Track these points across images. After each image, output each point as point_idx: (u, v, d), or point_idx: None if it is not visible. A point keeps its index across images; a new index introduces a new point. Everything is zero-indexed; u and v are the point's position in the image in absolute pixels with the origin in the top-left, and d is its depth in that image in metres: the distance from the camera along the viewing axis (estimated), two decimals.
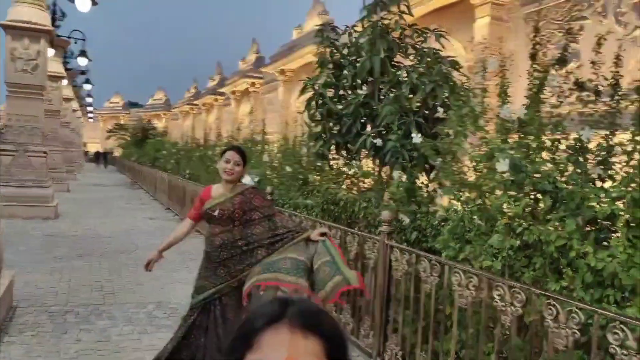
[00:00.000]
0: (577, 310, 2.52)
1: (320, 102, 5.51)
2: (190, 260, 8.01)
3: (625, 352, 2.27)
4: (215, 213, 3.36)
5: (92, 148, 58.84)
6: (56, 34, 14.63)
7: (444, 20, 13.73)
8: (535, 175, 3.17)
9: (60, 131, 18.84)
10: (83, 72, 24.33)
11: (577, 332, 2.53)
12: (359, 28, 5.63)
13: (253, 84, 29.46)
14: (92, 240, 9.16)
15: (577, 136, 3.07)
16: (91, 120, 57.30)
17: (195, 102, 42.68)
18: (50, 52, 12.38)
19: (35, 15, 10.80)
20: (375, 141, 4.99)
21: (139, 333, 4.67)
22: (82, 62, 19.94)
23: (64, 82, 19.11)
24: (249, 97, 30.35)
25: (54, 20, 15.10)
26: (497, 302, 3.00)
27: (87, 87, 26.78)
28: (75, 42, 18.89)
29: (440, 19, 13.79)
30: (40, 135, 11.37)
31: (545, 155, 3.24)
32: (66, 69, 20.10)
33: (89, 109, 44.18)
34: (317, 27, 5.82)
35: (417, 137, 4.15)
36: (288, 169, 6.96)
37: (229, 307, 3.31)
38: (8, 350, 4.08)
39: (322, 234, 3.40)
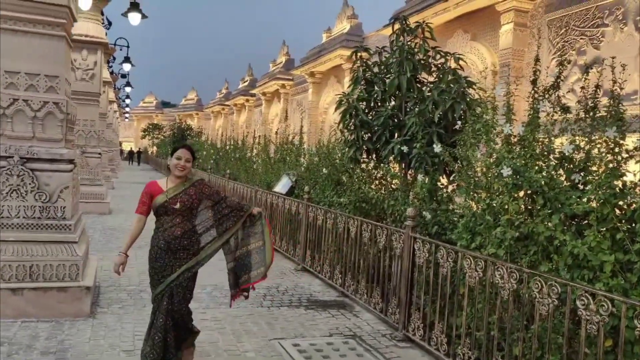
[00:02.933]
0: (555, 284, 3.32)
1: (353, 113, 6.35)
2: None
3: (588, 313, 3.07)
4: (177, 205, 3.69)
5: (126, 147, 60.76)
6: None
7: (470, 26, 14.42)
8: (531, 179, 3.96)
9: (105, 132, 20.11)
10: (124, 76, 25.69)
11: (556, 301, 3.33)
12: (388, 48, 6.46)
13: (283, 86, 30.40)
14: (146, 233, 10.17)
15: (562, 149, 3.85)
16: (126, 120, 59.25)
17: (226, 103, 43.92)
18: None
19: (92, 28, 11.92)
20: (402, 148, 5.83)
21: (204, 308, 5.60)
22: (126, 67, 21.26)
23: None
24: (279, 98, 31.33)
25: None
26: (497, 280, 3.81)
27: (127, 89, 28.20)
28: (121, 49, 20.18)
29: (467, 24, 14.47)
30: (96, 138, 12.52)
31: (538, 163, 4.03)
32: (110, 73, 21.39)
33: (127, 109, 45.89)
34: (353, 49, 6.65)
35: (437, 146, 4.96)
36: (324, 170, 7.81)
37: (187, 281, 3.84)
38: (104, 318, 5.06)
39: (259, 212, 3.98)
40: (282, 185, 9.46)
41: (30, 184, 4.99)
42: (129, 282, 6.47)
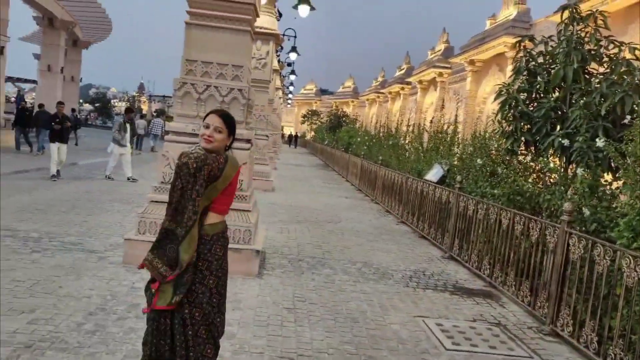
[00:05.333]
0: None
1: (513, 104, 6.27)
2: (383, 233, 9.37)
3: None
4: None
5: (287, 131, 64.67)
6: None
7: None
8: None
9: (271, 117, 21.81)
10: (289, 64, 27.46)
11: None
12: (555, 37, 6.24)
13: (440, 74, 29.95)
14: (304, 210, 11.09)
15: None
16: (288, 106, 63.02)
17: (381, 91, 44.44)
18: None
19: (267, 21, 13.05)
20: (563, 141, 5.65)
21: (354, 281, 6.07)
22: (292, 57, 22.76)
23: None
24: (435, 86, 30.92)
25: None
26: None
27: (292, 77, 30.09)
28: (288, 39, 21.64)
29: None
30: (265, 122, 13.76)
31: None
32: (277, 62, 23.02)
33: (289, 96, 48.84)
34: (518, 38, 6.53)
35: (600, 141, 4.76)
36: (479, 161, 7.79)
37: None
38: (269, 279, 5.78)
39: None
40: (434, 173, 9.58)
41: None
42: (290, 251, 7.20)
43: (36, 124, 18.02)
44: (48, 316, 4.07)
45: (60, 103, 13.63)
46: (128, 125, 12.60)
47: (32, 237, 6.48)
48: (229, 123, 2.92)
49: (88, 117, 55.11)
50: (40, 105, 19.96)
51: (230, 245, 3.06)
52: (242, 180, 5.95)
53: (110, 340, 3.73)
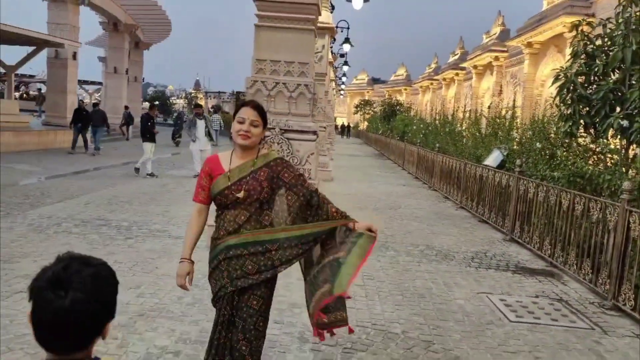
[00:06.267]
0: None
1: (571, 88, 6.40)
2: (442, 218, 9.64)
3: None
4: (241, 194, 2.52)
5: (339, 122, 65.02)
6: None
7: None
8: None
9: (326, 108, 22.26)
10: (342, 55, 27.77)
11: None
12: (613, 19, 6.31)
13: (496, 58, 29.36)
14: (364, 198, 11.48)
15: None
16: (341, 96, 63.31)
17: (435, 77, 43.94)
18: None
19: (323, 15, 13.45)
20: (622, 122, 5.76)
21: (417, 262, 6.42)
22: (346, 48, 23.10)
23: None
24: (492, 71, 30.39)
25: None
26: None
27: (345, 68, 30.41)
28: (342, 31, 21.96)
29: None
30: (322, 114, 14.21)
31: None
32: (331, 54, 23.41)
33: (342, 86, 49.15)
34: (576, 20, 6.62)
35: None
36: (538, 144, 7.91)
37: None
38: None
39: (370, 230, 2.58)
40: (493, 158, 9.73)
41: (287, 149, 6.34)
42: None
43: (92, 124, 17.65)
44: (152, 291, 4.69)
45: (152, 106, 14.31)
46: (197, 121, 12.87)
47: (123, 225, 7.21)
48: (263, 115, 2.66)
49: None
50: (95, 105, 20.18)
51: None
52: (310, 170, 6.41)
53: (208, 311, 4.26)
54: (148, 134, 12.87)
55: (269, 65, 6.49)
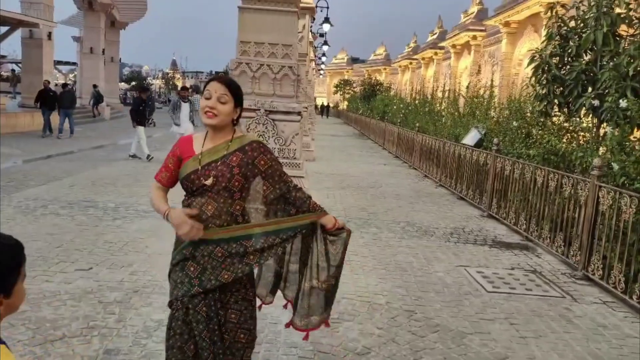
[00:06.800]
0: None
1: (545, 68, 6.64)
2: (422, 196, 9.90)
3: None
4: (208, 181, 2.26)
5: (319, 102, 64.92)
6: None
7: None
8: None
9: (307, 88, 22.30)
10: (322, 35, 27.70)
11: None
12: (585, 2, 6.54)
13: (474, 37, 29.58)
14: (346, 177, 11.70)
15: None
16: (321, 76, 63.08)
17: (414, 57, 44.04)
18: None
19: None
20: (594, 102, 6.03)
21: (398, 238, 6.67)
22: (325, 27, 23.06)
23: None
24: (470, 50, 30.64)
25: None
26: None
27: (325, 48, 30.34)
28: (321, 11, 21.92)
29: None
30: (304, 94, 14.30)
31: None
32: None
33: (322, 66, 48.99)
34: (549, 3, 6.84)
35: (624, 102, 5.15)
36: (514, 123, 8.18)
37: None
38: None
39: (340, 228, 2.52)
40: (471, 137, 10.00)
41: (271, 130, 6.48)
42: (338, 214, 7.82)
43: (61, 105, 16.78)
44: (144, 269, 4.84)
45: (143, 89, 14.17)
46: (182, 104, 12.41)
47: (109, 206, 7.30)
48: (235, 91, 2.32)
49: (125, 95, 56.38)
50: (65, 85, 19.40)
51: None
52: (294, 150, 6.57)
53: None
54: (139, 118, 12.82)
55: (253, 47, 6.58)
